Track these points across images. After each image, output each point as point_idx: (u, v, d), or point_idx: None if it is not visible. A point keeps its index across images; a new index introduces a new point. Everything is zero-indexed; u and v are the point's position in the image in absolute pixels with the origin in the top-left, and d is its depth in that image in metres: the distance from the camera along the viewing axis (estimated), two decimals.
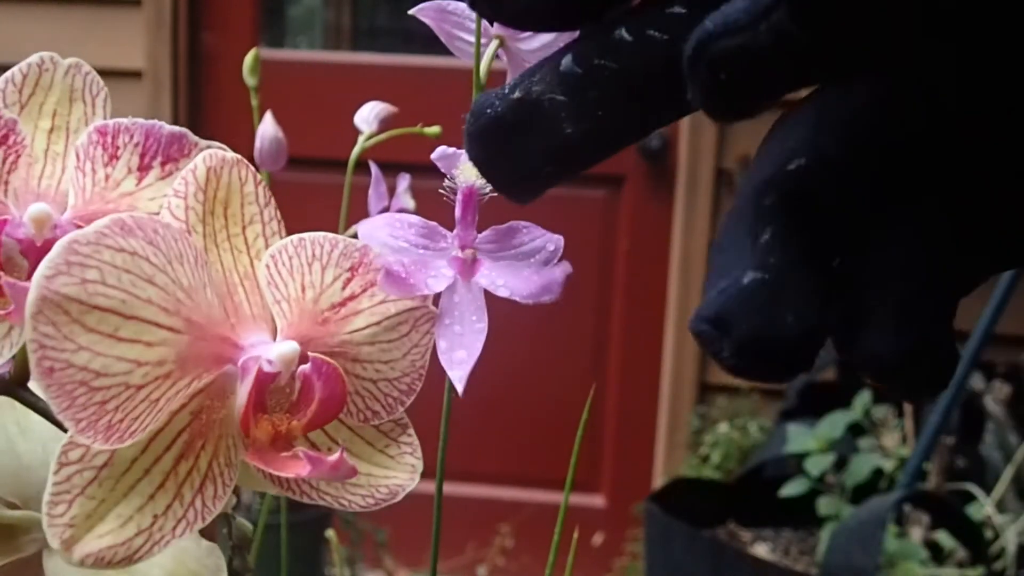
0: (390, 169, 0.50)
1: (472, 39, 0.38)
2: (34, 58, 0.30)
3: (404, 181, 0.52)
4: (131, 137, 0.29)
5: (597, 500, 1.94)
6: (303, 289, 0.29)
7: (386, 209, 0.50)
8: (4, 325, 0.29)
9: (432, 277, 0.32)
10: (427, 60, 1.85)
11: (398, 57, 1.91)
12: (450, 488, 1.67)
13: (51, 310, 0.24)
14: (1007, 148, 0.20)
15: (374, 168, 0.50)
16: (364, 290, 0.30)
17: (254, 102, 0.54)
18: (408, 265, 0.32)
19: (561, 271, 0.34)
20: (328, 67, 1.93)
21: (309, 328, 0.29)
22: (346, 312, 0.30)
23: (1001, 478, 1.34)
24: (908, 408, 1.45)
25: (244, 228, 0.30)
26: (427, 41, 0.40)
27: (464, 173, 0.34)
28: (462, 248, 0.34)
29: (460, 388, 0.30)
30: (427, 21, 0.38)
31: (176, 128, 0.30)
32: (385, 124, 0.54)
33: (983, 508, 1.30)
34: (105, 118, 0.31)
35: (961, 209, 0.20)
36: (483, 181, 0.35)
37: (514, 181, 0.22)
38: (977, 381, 1.45)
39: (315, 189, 1.39)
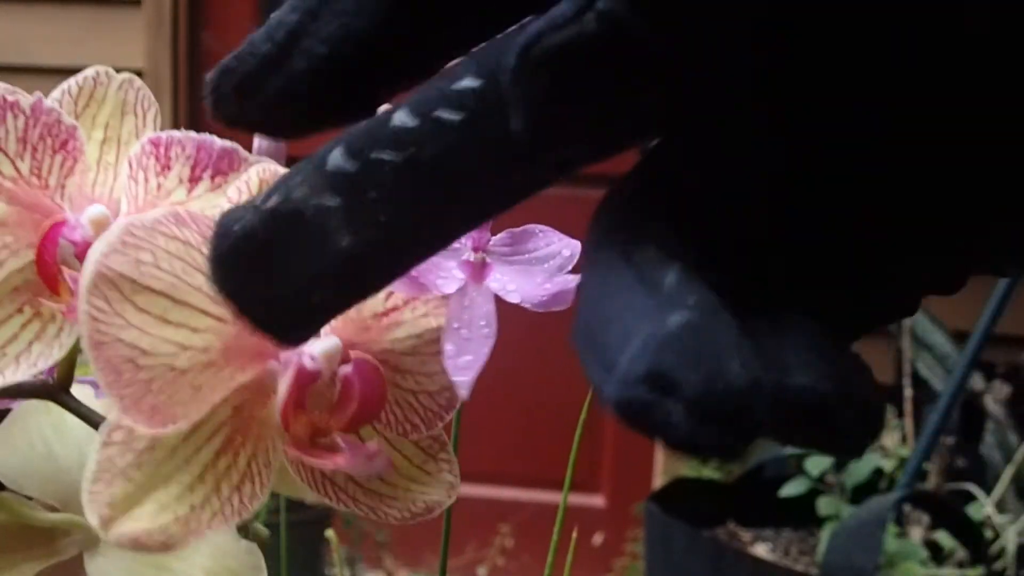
0: None
1: None
2: (89, 71, 0.31)
3: None
4: (183, 149, 0.30)
5: (597, 500, 1.95)
6: None
7: None
8: (54, 326, 0.30)
9: (442, 278, 0.32)
10: None
11: None
12: None
13: (105, 285, 0.25)
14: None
15: None
16: (406, 303, 0.31)
17: None
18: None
19: (575, 280, 0.34)
20: None
21: (353, 334, 0.30)
22: (388, 322, 0.30)
23: (1001, 478, 1.35)
24: (908, 408, 1.45)
25: None
26: None
27: None
28: (474, 250, 0.34)
29: (465, 394, 0.30)
30: None
31: (227, 143, 0.31)
32: None
33: (983, 508, 1.31)
34: (155, 132, 0.32)
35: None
36: None
37: (277, 315, 0.17)
38: (977, 381, 1.46)
39: None
